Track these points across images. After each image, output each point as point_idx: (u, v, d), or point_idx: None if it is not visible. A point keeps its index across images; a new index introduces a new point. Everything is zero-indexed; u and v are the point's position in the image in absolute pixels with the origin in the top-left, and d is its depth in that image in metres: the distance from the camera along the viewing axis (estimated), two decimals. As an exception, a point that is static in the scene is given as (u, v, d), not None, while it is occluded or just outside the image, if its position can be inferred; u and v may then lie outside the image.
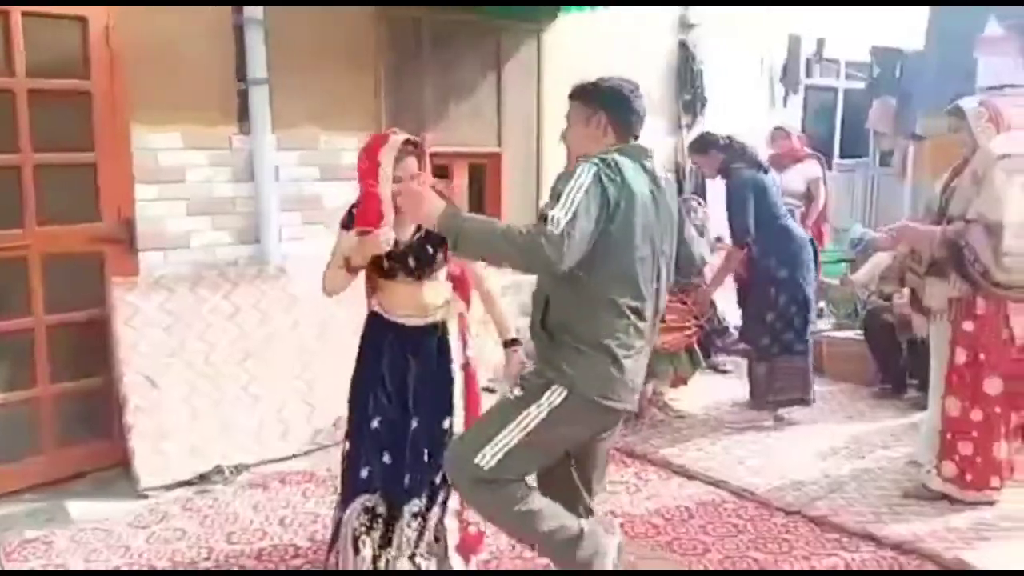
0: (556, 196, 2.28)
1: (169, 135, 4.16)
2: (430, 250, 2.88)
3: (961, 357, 3.61)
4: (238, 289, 4.29)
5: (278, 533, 3.48)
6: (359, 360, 2.98)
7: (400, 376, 2.90)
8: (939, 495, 3.67)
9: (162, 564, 3.21)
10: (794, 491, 3.80)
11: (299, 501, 3.78)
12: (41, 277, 3.85)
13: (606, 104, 2.47)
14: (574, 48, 5.78)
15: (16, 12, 3.63)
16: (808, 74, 8.15)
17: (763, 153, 6.42)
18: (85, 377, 4.03)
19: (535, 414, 2.36)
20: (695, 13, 6.69)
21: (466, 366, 3.06)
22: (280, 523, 3.57)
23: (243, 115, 4.37)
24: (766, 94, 7.72)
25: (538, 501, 2.47)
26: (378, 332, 2.95)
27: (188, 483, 3.91)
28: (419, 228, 2.90)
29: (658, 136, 6.52)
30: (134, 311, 3.97)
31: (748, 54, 7.43)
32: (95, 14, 3.83)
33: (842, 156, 8.78)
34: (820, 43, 8.01)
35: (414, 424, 2.91)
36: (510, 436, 2.36)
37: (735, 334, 6.00)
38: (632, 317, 2.40)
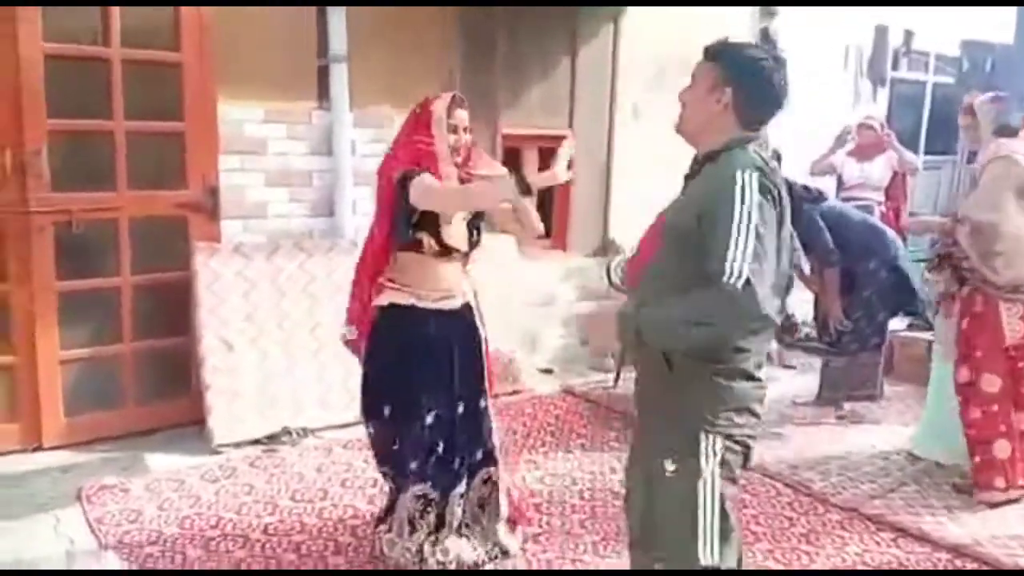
0: (723, 226, 1.88)
1: (253, 108, 4.32)
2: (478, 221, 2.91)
3: (963, 354, 3.65)
4: (312, 260, 4.44)
5: (339, 494, 3.61)
6: (391, 355, 2.85)
7: (448, 365, 2.88)
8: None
9: (228, 516, 3.38)
10: (852, 488, 3.76)
11: (360, 466, 3.90)
12: (129, 239, 4.06)
13: (736, 78, 2.02)
14: (651, 34, 5.76)
15: (113, -17, 3.82)
16: (895, 67, 7.92)
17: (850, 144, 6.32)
18: (167, 336, 4.25)
19: (710, 481, 2.00)
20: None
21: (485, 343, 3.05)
22: (341, 485, 3.70)
23: (323, 92, 4.50)
24: (851, 85, 7.54)
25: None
26: (415, 325, 2.83)
27: (257, 442, 4.09)
28: None
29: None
30: (215, 276, 4.16)
31: (833, 43, 7.26)
32: (188, -12, 4.01)
33: (928, 152, 8.51)
34: (908, 35, 7.79)
35: (460, 409, 2.91)
36: (708, 518, 2.00)
37: (804, 330, 5.92)
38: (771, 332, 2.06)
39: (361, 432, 4.26)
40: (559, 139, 5.49)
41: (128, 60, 3.92)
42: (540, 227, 2.99)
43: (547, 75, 5.46)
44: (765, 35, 6.59)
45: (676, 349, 1.99)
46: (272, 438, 4.12)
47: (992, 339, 3.58)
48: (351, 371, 4.44)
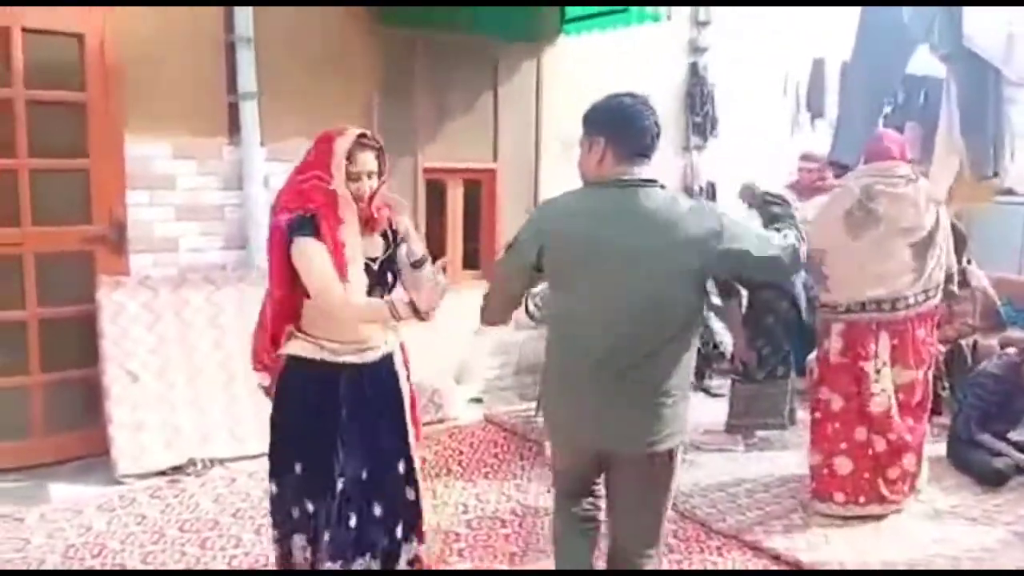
0: None
1: (161, 145, 4.41)
2: (395, 262, 2.65)
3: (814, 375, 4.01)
4: (220, 292, 4.52)
5: (228, 524, 3.67)
6: (300, 409, 2.58)
7: (357, 424, 2.57)
8: None
9: (113, 544, 3.44)
10: (738, 515, 3.82)
11: (258, 495, 3.94)
12: (34, 273, 4.13)
13: (601, 128, 2.32)
14: (576, 70, 5.87)
15: (16, 28, 3.93)
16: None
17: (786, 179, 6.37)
18: (75, 368, 4.30)
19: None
20: (706, 36, 6.72)
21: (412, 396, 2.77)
22: (233, 515, 3.75)
23: (234, 127, 4.60)
24: (788, 117, 7.67)
25: None
26: (322, 381, 2.55)
27: (163, 473, 4.14)
28: (389, 237, 2.65)
29: (665, 158, 6.56)
30: (119, 309, 4.23)
31: (769, 77, 7.39)
32: (91, 30, 4.12)
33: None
34: (845, 67, 7.92)
35: (364, 475, 2.59)
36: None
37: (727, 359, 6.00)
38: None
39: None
40: (483, 172, 5.74)
41: (32, 100, 4.02)
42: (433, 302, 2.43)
43: (470, 108, 5.57)
44: (694, 70, 6.73)
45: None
46: (178, 469, 4.17)
47: (825, 357, 3.91)
48: (262, 402, 4.51)
